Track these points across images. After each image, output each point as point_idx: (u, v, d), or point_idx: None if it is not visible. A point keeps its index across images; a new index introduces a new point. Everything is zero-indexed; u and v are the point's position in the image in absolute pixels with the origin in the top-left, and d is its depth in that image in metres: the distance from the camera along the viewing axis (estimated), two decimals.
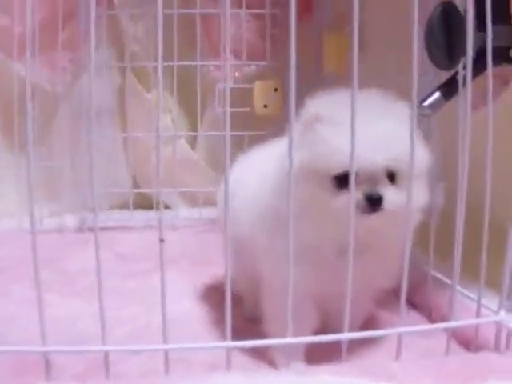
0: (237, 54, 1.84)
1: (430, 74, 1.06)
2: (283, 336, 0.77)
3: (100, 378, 0.78)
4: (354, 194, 0.74)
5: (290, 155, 0.73)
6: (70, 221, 1.82)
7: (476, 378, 0.74)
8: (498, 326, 0.86)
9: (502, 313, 0.85)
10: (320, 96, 0.83)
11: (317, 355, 0.84)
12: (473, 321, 0.88)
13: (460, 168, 0.80)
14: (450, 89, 0.93)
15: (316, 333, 0.84)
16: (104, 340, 0.75)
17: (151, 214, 1.83)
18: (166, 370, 0.76)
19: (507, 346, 0.86)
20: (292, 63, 0.70)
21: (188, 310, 1.14)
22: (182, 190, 1.85)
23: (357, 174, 0.75)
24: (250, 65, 1.86)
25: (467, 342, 0.92)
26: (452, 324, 0.86)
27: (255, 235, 0.90)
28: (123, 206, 1.89)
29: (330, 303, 0.90)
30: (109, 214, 1.84)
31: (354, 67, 0.73)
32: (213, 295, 1.22)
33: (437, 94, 0.95)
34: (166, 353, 0.76)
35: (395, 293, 1.17)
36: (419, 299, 1.14)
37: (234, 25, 1.84)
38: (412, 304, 1.15)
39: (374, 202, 0.77)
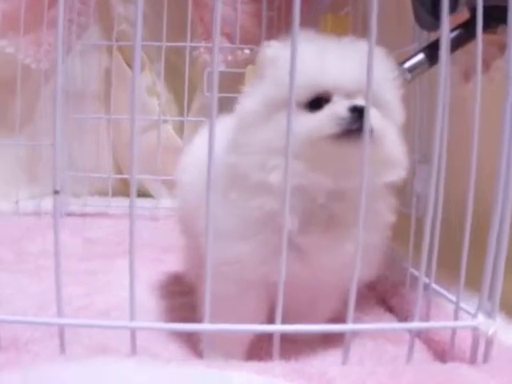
0: (230, 38, 1.77)
1: (417, 41, 0.97)
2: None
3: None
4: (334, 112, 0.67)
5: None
6: (48, 205, 1.73)
7: None
8: (475, 332, 0.70)
9: (481, 317, 0.70)
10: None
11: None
12: (440, 324, 0.76)
13: (435, 151, 0.67)
14: (435, 51, 0.80)
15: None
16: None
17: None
18: (62, 345, 0.68)
19: (485, 359, 0.70)
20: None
21: (140, 298, 1.03)
22: (165, 178, 1.71)
23: (330, 94, 0.69)
24: (243, 49, 1.77)
25: (443, 351, 0.79)
26: (414, 325, 0.70)
27: (200, 206, 0.73)
28: (105, 191, 1.79)
29: (287, 293, 0.72)
30: (87, 200, 1.76)
31: None
32: (170, 285, 1.14)
33: (419, 56, 0.83)
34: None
35: (376, 293, 1.09)
36: (396, 302, 1.01)
37: (229, 7, 1.76)
38: (389, 307, 1.03)
39: (359, 113, 0.65)
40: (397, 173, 0.73)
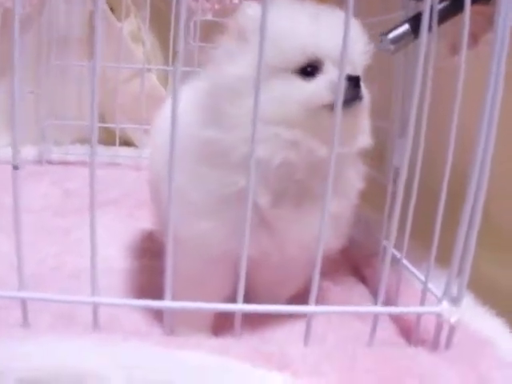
0: None
1: (405, 9, 0.93)
2: (181, 299, 0.65)
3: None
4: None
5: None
6: (30, 152, 1.70)
7: (390, 380, 0.61)
8: (439, 318, 0.70)
9: (445, 303, 0.69)
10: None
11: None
12: (404, 309, 0.75)
13: (411, 125, 0.66)
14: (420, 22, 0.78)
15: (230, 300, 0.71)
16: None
17: (113, 151, 1.72)
18: (24, 318, 0.67)
19: (447, 344, 0.70)
20: None
21: (110, 258, 1.02)
22: (148, 127, 1.69)
23: (322, 62, 0.68)
24: None
25: (408, 329, 0.80)
26: (378, 309, 0.70)
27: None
28: (87, 140, 1.76)
29: (255, 269, 0.72)
30: (70, 149, 1.73)
31: None
32: (143, 241, 1.13)
33: (404, 27, 0.79)
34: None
35: (349, 260, 1.09)
36: (369, 273, 1.01)
37: None
38: (362, 277, 1.03)
39: (356, 82, 0.67)
40: (367, 139, 0.74)
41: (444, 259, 0.74)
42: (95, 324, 0.65)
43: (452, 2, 0.79)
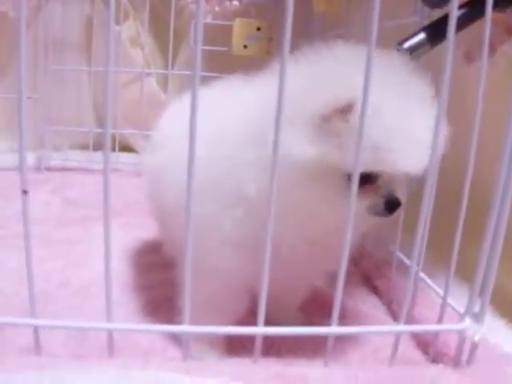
0: None
1: (418, 15, 0.91)
2: (199, 321, 0.63)
3: None
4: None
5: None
6: (29, 159, 1.68)
7: None
8: (462, 335, 0.69)
9: (468, 321, 0.68)
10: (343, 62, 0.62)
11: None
12: (426, 327, 0.74)
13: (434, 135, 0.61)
14: (437, 31, 0.75)
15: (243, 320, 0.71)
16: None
17: (113, 157, 1.69)
18: (37, 345, 0.64)
19: (469, 360, 0.69)
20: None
21: (118, 272, 0.99)
22: (148, 133, 1.66)
23: (380, 175, 0.62)
24: (232, 0, 1.69)
25: (426, 344, 0.78)
26: (399, 328, 0.68)
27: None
28: (86, 145, 1.73)
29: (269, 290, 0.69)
30: (68, 155, 1.71)
31: None
32: (150, 254, 1.10)
33: (420, 36, 0.76)
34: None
35: (360, 270, 1.07)
36: (381, 283, 0.99)
37: None
38: (373, 287, 1.01)
39: (393, 208, 0.63)
40: None
41: (461, 272, 0.73)
42: (110, 350, 0.63)
43: (470, 9, 0.77)
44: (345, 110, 0.58)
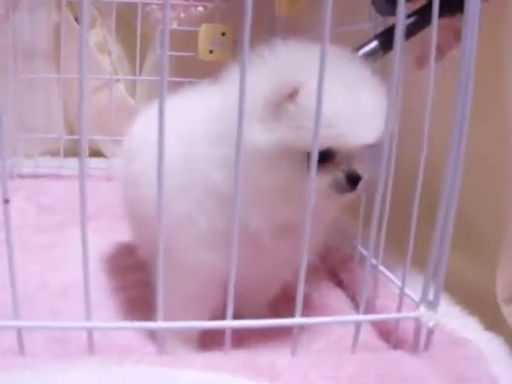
0: None
1: (373, 21, 0.96)
2: (174, 316, 0.67)
3: None
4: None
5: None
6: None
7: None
8: (418, 322, 0.74)
9: (422, 308, 0.73)
10: (290, 56, 0.69)
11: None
12: (383, 316, 0.79)
13: (386, 134, 0.66)
14: (389, 38, 0.79)
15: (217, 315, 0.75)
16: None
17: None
18: (20, 345, 0.68)
19: (426, 346, 0.74)
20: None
21: (94, 274, 1.00)
22: (117, 138, 1.67)
23: (338, 151, 0.67)
24: (197, 6, 1.72)
25: (388, 332, 0.83)
26: (359, 317, 0.74)
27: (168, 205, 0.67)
28: (57, 152, 1.75)
29: (241, 285, 0.72)
30: (39, 161, 1.72)
31: None
32: (118, 259, 1.14)
33: (374, 43, 0.83)
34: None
35: (326, 264, 1.12)
36: (345, 276, 1.05)
37: None
38: (339, 281, 1.07)
39: (355, 182, 0.68)
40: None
41: (419, 262, 0.78)
42: (90, 348, 0.67)
43: (419, 17, 0.83)
44: (292, 94, 0.64)
